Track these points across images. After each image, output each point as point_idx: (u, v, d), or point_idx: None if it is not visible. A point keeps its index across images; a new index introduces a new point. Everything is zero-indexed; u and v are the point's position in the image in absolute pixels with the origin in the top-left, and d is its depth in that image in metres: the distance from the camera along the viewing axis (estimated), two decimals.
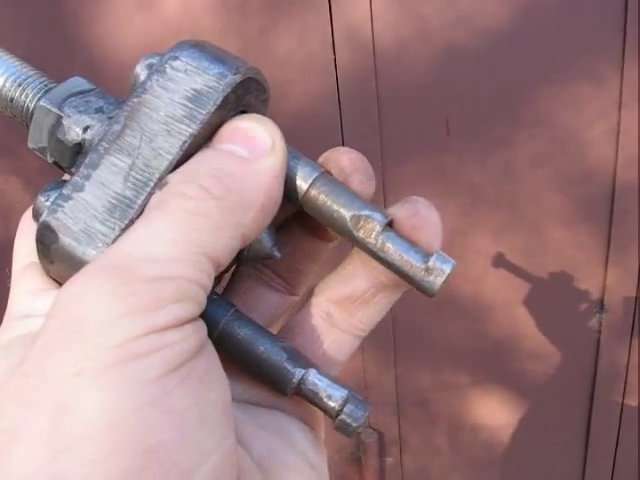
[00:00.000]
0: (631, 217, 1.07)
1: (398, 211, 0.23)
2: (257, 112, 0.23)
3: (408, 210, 0.23)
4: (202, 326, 0.20)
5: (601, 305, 1.14)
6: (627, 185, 1.05)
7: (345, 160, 0.23)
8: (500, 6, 0.98)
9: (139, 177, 0.21)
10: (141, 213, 0.21)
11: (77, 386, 0.17)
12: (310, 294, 0.26)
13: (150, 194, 0.21)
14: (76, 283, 0.19)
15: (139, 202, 0.21)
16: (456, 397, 1.25)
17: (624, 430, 1.22)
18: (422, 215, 0.23)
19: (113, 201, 0.21)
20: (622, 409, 1.20)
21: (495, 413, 1.25)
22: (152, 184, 0.21)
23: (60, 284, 0.22)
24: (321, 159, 0.24)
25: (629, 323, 1.14)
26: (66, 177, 0.24)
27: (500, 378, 1.23)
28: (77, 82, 0.25)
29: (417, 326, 1.18)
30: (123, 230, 0.21)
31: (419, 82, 1.03)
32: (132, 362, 0.18)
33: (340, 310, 0.25)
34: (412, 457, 1.32)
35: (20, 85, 0.24)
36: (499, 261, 1.13)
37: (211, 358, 0.20)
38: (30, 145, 0.24)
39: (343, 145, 1.04)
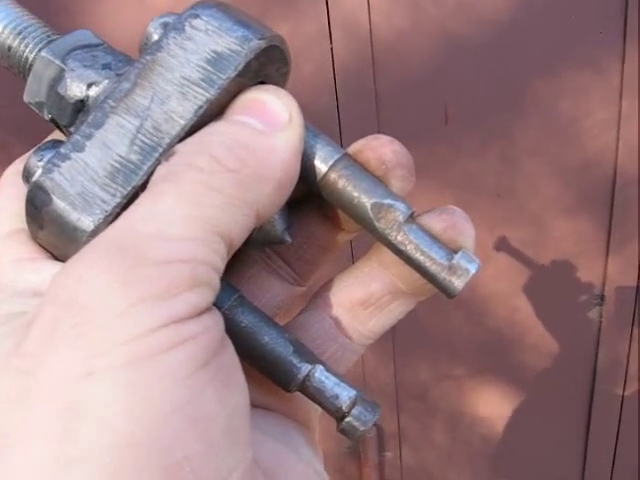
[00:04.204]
0: (632, 207, 1.06)
1: (432, 221, 0.21)
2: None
3: (445, 222, 0.21)
4: (219, 315, 0.18)
5: (601, 296, 1.14)
6: (628, 175, 1.04)
7: (388, 152, 0.21)
8: None
9: (147, 141, 0.19)
10: (146, 181, 0.19)
11: (90, 387, 0.15)
12: (320, 292, 0.24)
13: (158, 160, 0.19)
14: (78, 265, 0.17)
15: (145, 168, 0.19)
16: (455, 390, 1.24)
17: (624, 421, 1.21)
18: (459, 228, 0.21)
19: (116, 165, 0.19)
20: (622, 400, 1.20)
21: (494, 406, 1.25)
22: (161, 150, 0.19)
23: (50, 252, 0.20)
24: (358, 145, 0.22)
25: (629, 314, 1.14)
26: (60, 137, 0.22)
27: (499, 370, 1.22)
28: (83, 35, 0.22)
29: (416, 319, 1.17)
30: (125, 198, 0.19)
31: (417, 71, 1.02)
32: (152, 359, 0.15)
33: (350, 317, 0.23)
34: (411, 451, 1.32)
35: (20, 33, 0.22)
36: (498, 252, 1.13)
37: (232, 354, 0.18)
38: (26, 99, 0.22)
39: (340, 134, 1.03)
